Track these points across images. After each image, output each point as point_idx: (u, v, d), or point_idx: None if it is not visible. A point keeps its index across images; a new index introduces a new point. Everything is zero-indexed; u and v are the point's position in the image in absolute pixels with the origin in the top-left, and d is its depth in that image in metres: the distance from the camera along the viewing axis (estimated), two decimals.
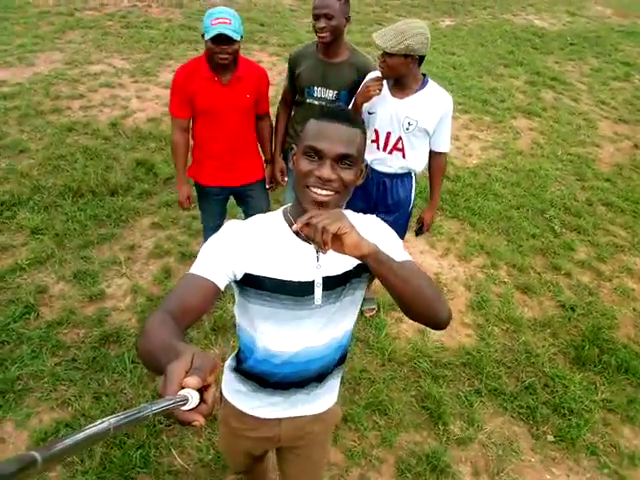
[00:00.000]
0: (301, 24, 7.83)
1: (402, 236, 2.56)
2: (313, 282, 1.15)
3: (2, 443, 2.22)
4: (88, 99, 4.98)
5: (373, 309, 3.03)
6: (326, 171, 1.05)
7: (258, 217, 1.22)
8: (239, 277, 1.13)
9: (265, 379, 1.29)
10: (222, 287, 1.08)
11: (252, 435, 1.41)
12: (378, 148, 2.43)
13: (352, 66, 2.50)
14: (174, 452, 2.24)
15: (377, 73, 2.35)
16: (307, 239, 0.98)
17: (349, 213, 1.18)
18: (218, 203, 2.79)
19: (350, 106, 2.41)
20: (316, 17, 2.36)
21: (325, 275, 1.16)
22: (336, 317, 1.22)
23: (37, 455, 0.46)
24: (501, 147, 5.01)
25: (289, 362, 1.23)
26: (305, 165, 1.08)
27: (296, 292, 1.15)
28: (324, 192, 1.06)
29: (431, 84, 2.38)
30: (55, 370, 2.52)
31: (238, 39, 2.24)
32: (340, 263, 1.16)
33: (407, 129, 2.35)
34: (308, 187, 1.07)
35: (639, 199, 4.43)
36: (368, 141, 2.29)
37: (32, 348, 2.61)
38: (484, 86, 6.34)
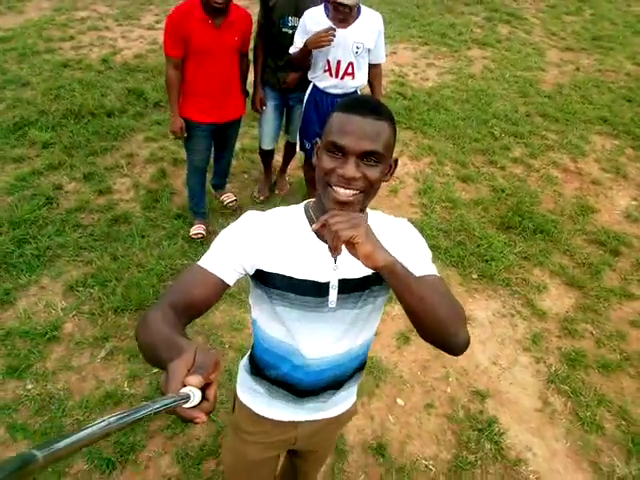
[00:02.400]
0: None
1: None
2: (328, 284, 1.08)
3: (42, 289, 2.84)
4: (78, 40, 5.45)
5: None
6: (350, 169, 0.97)
7: (278, 210, 1.15)
8: (251, 272, 1.09)
9: (276, 379, 1.23)
10: (231, 283, 1.05)
11: (266, 440, 1.36)
12: (331, 75, 2.77)
13: None
14: None
15: (319, 10, 2.65)
16: (324, 239, 0.94)
17: (378, 216, 1.15)
18: (206, 139, 2.98)
19: (298, 49, 2.67)
20: None
21: (342, 277, 1.08)
22: (356, 326, 1.15)
23: (37, 453, 0.46)
24: (455, 72, 5.59)
25: (302, 367, 1.17)
26: (327, 162, 1.00)
27: (309, 292, 1.08)
28: (348, 192, 0.99)
29: (363, 8, 2.72)
30: (78, 241, 3.13)
31: None
32: (360, 266, 1.02)
33: (356, 53, 2.70)
34: (330, 186, 1.00)
35: (573, 110, 5.06)
36: (320, 70, 2.74)
37: (56, 227, 3.20)
38: (444, 22, 6.84)
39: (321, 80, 2.79)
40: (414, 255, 1.05)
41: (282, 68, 2.99)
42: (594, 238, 3.55)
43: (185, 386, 0.64)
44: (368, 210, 1.15)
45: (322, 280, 1.08)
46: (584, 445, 2.37)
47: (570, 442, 2.38)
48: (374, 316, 1.19)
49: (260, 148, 3.47)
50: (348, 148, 0.96)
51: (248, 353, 1.35)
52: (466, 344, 1.00)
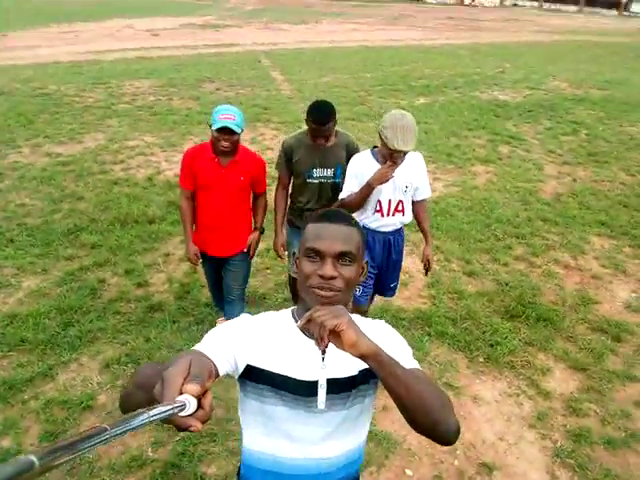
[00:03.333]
0: (297, 108, 9.37)
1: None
2: (317, 382, 1.11)
3: (81, 366, 3.14)
4: (127, 164, 6.29)
5: None
6: (328, 269, 1.08)
7: (269, 313, 1.23)
8: (241, 368, 1.12)
9: None
10: (221, 373, 1.04)
11: None
12: (382, 215, 2.85)
13: (341, 145, 3.02)
14: None
15: (367, 155, 2.79)
16: (311, 336, 0.99)
17: (357, 318, 1.16)
18: (211, 268, 3.24)
19: (358, 192, 2.73)
20: (316, 132, 2.83)
21: (330, 377, 1.12)
22: (344, 427, 1.16)
23: (34, 459, 0.46)
24: (459, 184, 6.15)
25: (291, 474, 1.16)
26: (307, 266, 1.11)
27: (298, 391, 1.11)
28: (328, 294, 1.09)
29: None
30: (116, 326, 3.48)
31: (239, 132, 2.70)
32: (346, 366, 1.12)
33: (405, 191, 2.82)
34: (312, 288, 1.10)
35: (572, 215, 5.46)
36: (371, 211, 2.83)
37: (98, 314, 3.59)
38: (450, 144, 7.62)
39: (372, 221, 2.87)
40: (397, 352, 1.07)
41: (310, 209, 3.10)
42: (596, 326, 3.73)
43: (181, 394, 0.65)
44: None
45: (310, 379, 1.11)
46: None
47: None
48: (362, 418, 1.20)
49: (289, 276, 3.54)
50: (325, 251, 1.10)
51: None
52: (457, 432, 1.03)
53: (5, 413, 2.74)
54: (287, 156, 3.04)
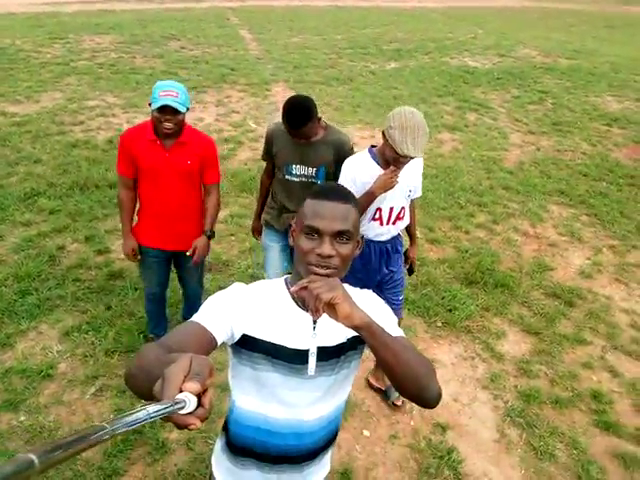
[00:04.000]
0: (265, 69, 9.14)
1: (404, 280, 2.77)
2: (308, 351, 1.17)
3: (40, 334, 3.10)
4: (87, 125, 6.06)
5: (399, 398, 2.87)
6: (326, 248, 1.11)
7: (262, 282, 1.28)
8: (236, 337, 1.15)
9: (254, 450, 1.27)
10: (219, 341, 1.09)
11: None
12: (381, 224, 2.47)
13: (328, 144, 2.58)
14: None
15: (365, 158, 2.39)
16: (304, 305, 1.03)
17: (346, 287, 1.20)
18: (156, 266, 2.79)
19: (362, 198, 2.28)
20: (292, 134, 2.47)
21: (320, 345, 1.18)
22: (331, 391, 1.24)
23: (34, 457, 0.46)
24: (426, 152, 6.17)
25: (279, 433, 1.23)
26: (305, 243, 1.13)
27: (290, 359, 1.16)
28: (325, 272, 1.11)
29: None
30: (76, 293, 3.43)
31: (183, 111, 2.37)
32: (336, 335, 1.19)
33: (408, 196, 2.48)
34: (310, 265, 1.13)
35: (533, 183, 5.58)
36: (367, 219, 2.43)
37: (57, 281, 3.52)
38: (419, 110, 7.58)
39: (369, 229, 2.48)
40: (383, 321, 1.12)
41: (289, 211, 2.74)
42: (550, 292, 3.88)
43: (181, 392, 0.65)
44: None
45: (302, 347, 1.17)
46: (537, 472, 2.55)
47: (525, 469, 2.56)
48: (347, 381, 1.28)
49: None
50: (323, 230, 1.11)
51: (222, 437, 1.38)
52: (439, 396, 1.10)
53: None
54: (268, 145, 2.71)
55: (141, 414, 0.58)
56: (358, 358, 1.27)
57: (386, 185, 2.26)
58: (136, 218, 2.76)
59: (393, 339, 1.03)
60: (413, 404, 2.83)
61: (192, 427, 0.65)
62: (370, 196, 2.29)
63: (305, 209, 1.16)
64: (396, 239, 2.61)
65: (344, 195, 1.18)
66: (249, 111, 7.03)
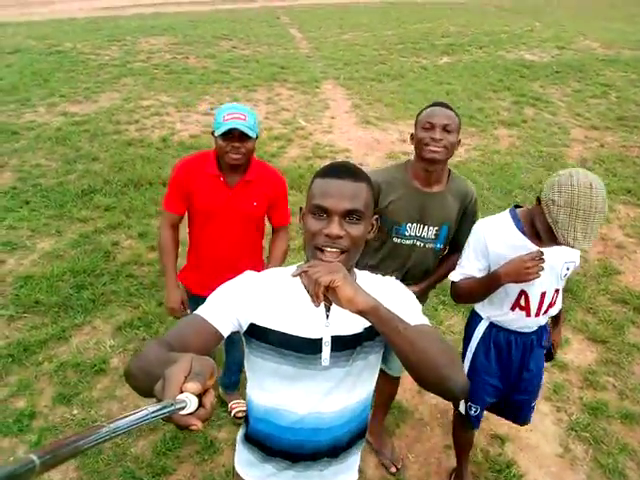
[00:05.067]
0: (315, 67, 9.09)
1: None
2: (321, 340, 1.12)
3: (94, 329, 3.16)
4: (142, 124, 6.19)
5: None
6: (335, 228, 1.04)
7: (274, 270, 1.24)
8: (245, 327, 1.12)
9: (270, 446, 1.23)
10: (225, 334, 1.07)
11: None
12: (529, 314, 1.86)
13: (453, 194, 1.98)
14: None
15: (506, 222, 1.78)
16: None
17: (366, 275, 1.19)
18: None
19: (485, 280, 1.78)
20: (429, 126, 1.85)
21: (335, 334, 1.12)
22: (347, 383, 1.16)
23: (35, 458, 0.46)
24: (481, 149, 5.95)
25: (294, 427, 1.18)
26: (313, 224, 1.07)
27: (302, 349, 1.11)
28: (334, 250, 1.05)
29: None
30: (129, 289, 3.47)
31: (253, 137, 2.00)
32: (351, 324, 1.11)
33: (565, 275, 1.83)
34: (317, 248, 1.07)
35: None
36: (507, 306, 1.85)
37: (111, 276, 3.58)
38: (472, 106, 7.34)
39: (509, 320, 1.90)
40: (405, 308, 1.07)
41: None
42: (618, 297, 3.62)
43: (182, 392, 0.64)
44: (356, 270, 1.21)
45: (315, 336, 1.12)
46: None
47: None
48: (366, 375, 1.19)
49: None
50: (331, 208, 1.05)
51: (243, 428, 1.34)
52: (464, 388, 0.99)
53: (20, 374, 2.77)
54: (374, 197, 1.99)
55: (142, 414, 0.58)
56: (378, 351, 1.20)
57: (520, 277, 1.66)
58: (179, 260, 2.35)
59: (407, 325, 0.96)
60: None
61: (193, 428, 0.64)
62: (494, 281, 1.72)
63: (313, 189, 1.11)
64: (543, 329, 1.99)
65: (355, 173, 1.10)
66: (299, 109, 7.01)
